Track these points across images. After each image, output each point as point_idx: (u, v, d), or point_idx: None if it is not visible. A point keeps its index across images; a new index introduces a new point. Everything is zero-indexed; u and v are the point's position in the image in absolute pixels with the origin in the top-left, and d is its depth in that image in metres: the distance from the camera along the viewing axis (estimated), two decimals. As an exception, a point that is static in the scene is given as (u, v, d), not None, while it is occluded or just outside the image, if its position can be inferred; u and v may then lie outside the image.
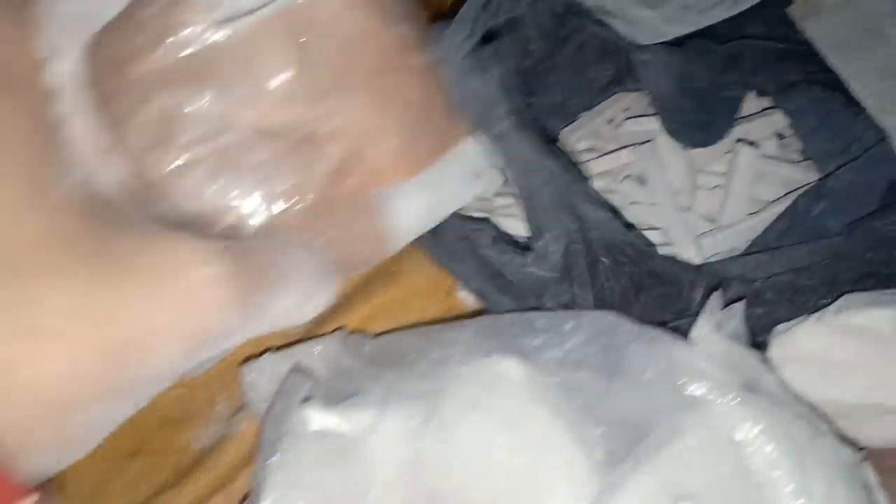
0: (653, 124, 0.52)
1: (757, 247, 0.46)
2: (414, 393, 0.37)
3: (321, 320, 0.49)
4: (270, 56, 0.23)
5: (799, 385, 0.37)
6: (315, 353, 0.44)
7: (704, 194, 0.51)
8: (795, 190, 0.49)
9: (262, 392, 0.43)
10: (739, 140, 0.51)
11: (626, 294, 0.42)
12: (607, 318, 0.38)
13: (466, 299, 0.50)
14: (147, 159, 0.23)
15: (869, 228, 0.40)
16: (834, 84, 0.48)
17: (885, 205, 0.44)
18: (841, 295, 0.38)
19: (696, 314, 0.36)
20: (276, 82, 0.23)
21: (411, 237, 0.33)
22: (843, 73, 0.47)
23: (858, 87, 0.47)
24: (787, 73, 0.51)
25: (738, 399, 0.33)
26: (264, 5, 0.22)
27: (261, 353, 0.45)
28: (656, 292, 0.42)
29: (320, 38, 0.23)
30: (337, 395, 0.39)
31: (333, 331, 0.47)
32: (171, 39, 0.22)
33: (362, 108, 0.26)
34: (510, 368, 0.36)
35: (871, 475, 0.36)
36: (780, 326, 0.39)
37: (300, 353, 0.44)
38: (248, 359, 0.46)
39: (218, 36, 0.22)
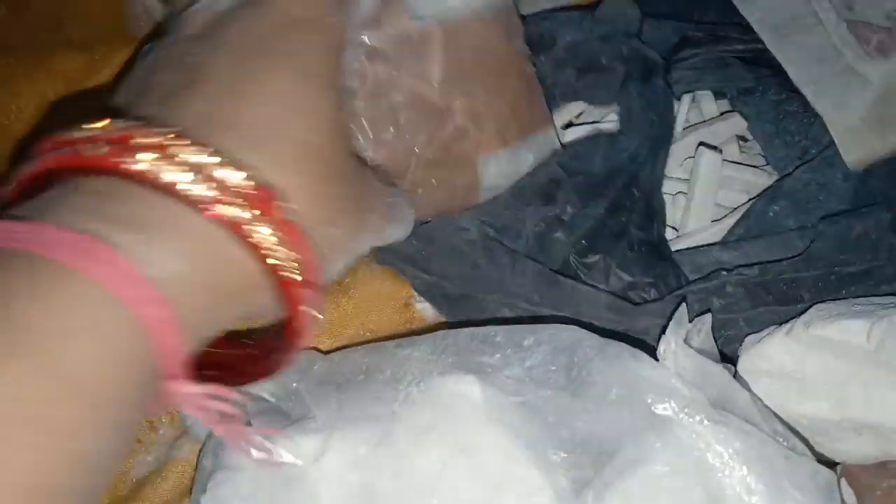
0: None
1: (718, 252, 0.44)
2: (364, 416, 0.35)
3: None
4: (435, 53, 0.36)
5: (771, 401, 0.35)
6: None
7: (668, 201, 0.49)
8: (758, 195, 0.48)
9: (203, 416, 0.40)
10: (701, 143, 0.49)
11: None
12: (569, 333, 0.36)
13: (424, 311, 0.47)
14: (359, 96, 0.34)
15: (845, 227, 0.39)
16: (790, 87, 0.47)
17: (860, 205, 0.43)
18: (811, 305, 0.37)
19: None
20: (433, 67, 0.36)
21: (490, 195, 0.44)
22: (780, 58, 0.46)
23: (795, 73, 0.46)
24: (741, 75, 0.50)
25: (710, 419, 0.31)
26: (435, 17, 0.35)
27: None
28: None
29: (460, 46, 0.36)
30: (282, 420, 0.36)
31: (281, 349, 0.44)
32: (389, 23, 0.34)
33: (479, 96, 0.38)
34: (467, 388, 0.34)
35: (848, 495, 0.34)
36: (750, 339, 0.37)
37: (244, 374, 0.41)
38: (189, 379, 0.43)
39: (417, 26, 0.35)
